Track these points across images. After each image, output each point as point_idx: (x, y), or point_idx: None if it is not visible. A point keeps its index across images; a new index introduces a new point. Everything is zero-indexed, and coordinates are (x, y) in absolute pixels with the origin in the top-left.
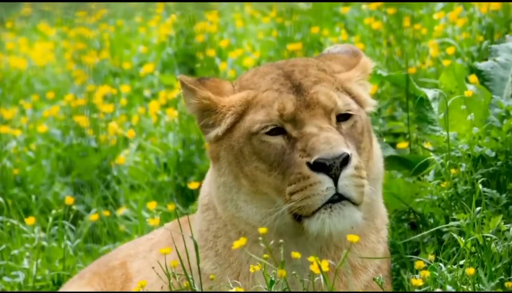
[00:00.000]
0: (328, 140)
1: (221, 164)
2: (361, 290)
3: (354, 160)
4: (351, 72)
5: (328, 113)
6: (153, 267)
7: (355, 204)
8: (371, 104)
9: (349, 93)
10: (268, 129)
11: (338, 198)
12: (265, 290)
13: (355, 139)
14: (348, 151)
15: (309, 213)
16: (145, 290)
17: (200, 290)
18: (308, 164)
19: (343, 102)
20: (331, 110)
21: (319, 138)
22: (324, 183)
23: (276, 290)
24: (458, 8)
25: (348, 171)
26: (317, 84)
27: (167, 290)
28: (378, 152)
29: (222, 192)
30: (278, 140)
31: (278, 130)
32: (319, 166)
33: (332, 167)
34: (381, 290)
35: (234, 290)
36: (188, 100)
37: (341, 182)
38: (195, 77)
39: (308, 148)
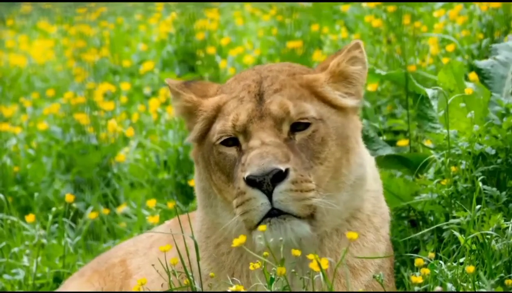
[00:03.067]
0: (262, 156)
1: (200, 169)
2: (361, 290)
3: (293, 174)
4: (320, 74)
5: (278, 124)
6: (153, 265)
7: (298, 217)
8: (349, 107)
9: (321, 97)
10: (222, 140)
11: (278, 212)
12: (262, 289)
13: (311, 150)
14: (282, 167)
15: (252, 227)
16: (145, 287)
17: (200, 288)
18: (243, 179)
19: (297, 111)
20: (282, 120)
21: (255, 153)
22: (258, 199)
23: (274, 289)
24: (458, 6)
25: (282, 186)
26: (276, 93)
27: (167, 287)
28: (361, 156)
29: (203, 197)
30: (232, 151)
31: (234, 141)
32: (251, 182)
33: (262, 183)
34: (382, 289)
35: (234, 288)
36: (173, 103)
37: (275, 197)
38: (182, 80)
39: (246, 163)
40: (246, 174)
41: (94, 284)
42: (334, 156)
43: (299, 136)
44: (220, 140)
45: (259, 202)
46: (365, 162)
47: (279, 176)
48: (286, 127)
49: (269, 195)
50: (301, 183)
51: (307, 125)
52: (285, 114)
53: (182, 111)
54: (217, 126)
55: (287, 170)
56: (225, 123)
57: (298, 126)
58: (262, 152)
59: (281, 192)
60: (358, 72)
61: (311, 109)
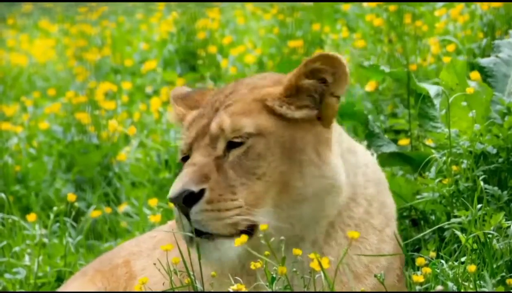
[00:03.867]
0: (181, 177)
1: None
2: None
3: (208, 194)
4: (273, 89)
5: (214, 141)
6: (154, 264)
7: (225, 235)
8: (303, 118)
9: (272, 111)
10: (181, 157)
11: (201, 232)
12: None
13: (245, 166)
14: (195, 188)
15: (188, 243)
16: (149, 288)
17: (202, 287)
18: None
19: (232, 128)
20: (217, 138)
21: (179, 174)
22: (182, 219)
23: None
24: (459, 5)
25: (197, 207)
26: (227, 108)
27: (169, 287)
28: (324, 167)
29: None
30: None
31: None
32: (172, 203)
33: (177, 205)
34: (390, 290)
35: (235, 286)
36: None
37: (192, 217)
38: (188, 87)
39: None
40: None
41: (97, 284)
42: (276, 171)
43: (234, 153)
44: (180, 158)
45: (183, 221)
46: (332, 172)
47: (192, 197)
48: (221, 145)
49: (188, 216)
50: (218, 202)
51: (243, 141)
52: (220, 132)
53: (177, 121)
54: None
55: (201, 191)
56: (182, 141)
57: (234, 143)
58: (183, 173)
59: (196, 212)
60: (314, 84)
61: (250, 125)
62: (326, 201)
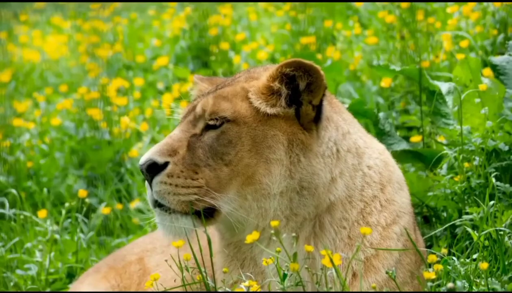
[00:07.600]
0: (153, 147)
1: None
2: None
3: (170, 168)
4: (259, 82)
5: (196, 120)
6: (166, 260)
7: (181, 212)
8: (277, 114)
9: (251, 102)
10: None
11: (159, 203)
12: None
13: (214, 150)
14: (160, 159)
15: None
16: (161, 284)
17: (213, 284)
18: None
19: (211, 110)
20: (200, 117)
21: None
22: (148, 187)
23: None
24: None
25: (158, 178)
26: (216, 91)
27: (181, 284)
28: (293, 170)
29: None
30: None
31: None
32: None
33: (143, 173)
34: (399, 286)
35: (247, 284)
36: (191, 93)
37: (153, 188)
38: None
39: None
40: None
41: (110, 281)
42: (242, 162)
43: (209, 134)
44: None
45: (148, 190)
46: (302, 174)
47: (155, 167)
48: (201, 124)
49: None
50: (177, 177)
51: (220, 125)
52: (203, 112)
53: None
54: None
55: (166, 163)
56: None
57: (211, 125)
58: (157, 144)
59: (156, 183)
60: (283, 88)
61: (227, 110)
62: (294, 200)
